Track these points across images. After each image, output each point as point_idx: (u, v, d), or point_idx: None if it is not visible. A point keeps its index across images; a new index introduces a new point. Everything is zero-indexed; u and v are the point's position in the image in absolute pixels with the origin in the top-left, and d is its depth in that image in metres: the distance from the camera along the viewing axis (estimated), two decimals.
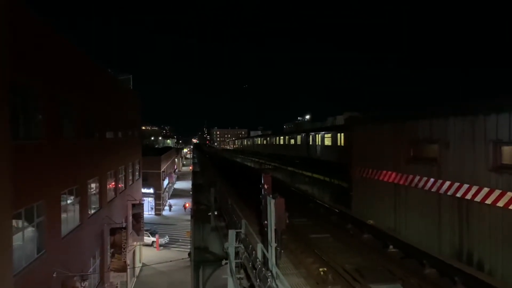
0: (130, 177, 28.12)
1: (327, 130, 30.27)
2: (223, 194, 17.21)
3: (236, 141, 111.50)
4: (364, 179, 14.14)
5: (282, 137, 45.30)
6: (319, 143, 30.33)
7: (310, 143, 32.55)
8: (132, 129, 29.31)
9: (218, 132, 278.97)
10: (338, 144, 26.72)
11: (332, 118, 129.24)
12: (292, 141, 39.50)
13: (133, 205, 26.41)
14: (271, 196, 8.40)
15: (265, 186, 8.85)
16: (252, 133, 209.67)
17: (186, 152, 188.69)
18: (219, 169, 36.32)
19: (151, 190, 50.48)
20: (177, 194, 67.95)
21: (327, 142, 28.99)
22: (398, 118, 12.49)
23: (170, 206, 54.71)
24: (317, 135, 31.03)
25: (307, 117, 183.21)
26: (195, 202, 22.37)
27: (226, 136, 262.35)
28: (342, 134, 25.63)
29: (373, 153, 13.69)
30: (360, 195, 14.43)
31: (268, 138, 54.97)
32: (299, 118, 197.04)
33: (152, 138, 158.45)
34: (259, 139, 65.51)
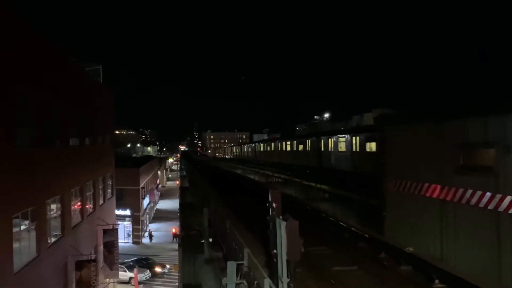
0: (101, 196, 28.16)
1: (353, 132, 30.27)
2: (220, 215, 17.18)
3: (235, 148, 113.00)
4: (400, 195, 14.05)
5: (290, 142, 45.51)
6: (343, 149, 30.39)
7: (330, 149, 32.64)
8: (103, 134, 29.44)
9: (212, 137, 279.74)
10: (366, 150, 26.72)
11: (359, 116, 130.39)
12: (304, 147, 39.71)
13: (105, 231, 26.40)
14: (281, 217, 8.37)
15: (274, 205, 8.84)
16: (256, 138, 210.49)
17: (172, 163, 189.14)
18: (213, 184, 36.32)
19: (128, 212, 50.49)
20: (160, 216, 67.95)
21: (354, 148, 29.05)
22: (444, 116, 12.46)
23: (150, 234, 54.35)
24: (340, 138, 31.15)
25: (326, 115, 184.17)
26: (183, 227, 22.33)
27: (222, 141, 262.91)
28: (370, 137, 25.80)
29: (412, 160, 13.62)
30: (396, 215, 14.34)
31: (273, 144, 55.73)
32: (315, 117, 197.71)
33: (129, 145, 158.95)
34: (261, 145, 66.67)
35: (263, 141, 73.19)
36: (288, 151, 46.28)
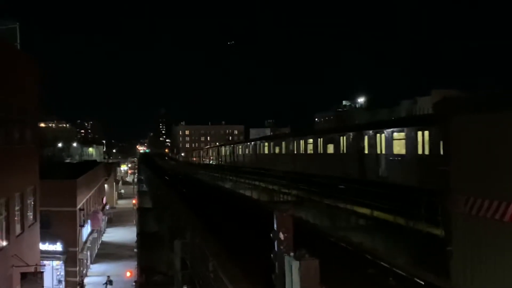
0: (18, 222, 28.06)
1: (399, 124, 30.20)
2: (200, 251, 17.18)
3: (211, 150, 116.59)
4: (475, 220, 14.05)
5: (304, 141, 45.82)
6: (384, 152, 30.37)
7: (366, 151, 32.64)
8: (21, 127, 29.35)
9: (187, 132, 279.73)
10: (421, 151, 26.73)
11: (410, 101, 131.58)
12: (331, 148, 39.76)
13: (24, 276, 26.33)
14: (292, 254, 8.37)
15: (281, 236, 8.82)
16: (254, 134, 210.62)
17: (126, 172, 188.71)
18: (190, 204, 36.32)
19: (59, 247, 50.32)
20: (108, 253, 67.78)
21: (398, 148, 29.03)
22: None
23: (80, 285, 53.60)
24: (380, 134, 31.19)
25: (361, 100, 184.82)
26: (144, 269, 22.33)
27: (202, 138, 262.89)
28: (428, 131, 25.84)
29: (493, 168, 13.63)
30: (468, 252, 14.34)
31: (273, 143, 57.78)
32: (345, 102, 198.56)
33: (60, 145, 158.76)
34: (240, 147, 73.32)
35: (255, 140, 74.60)
36: (302, 154, 46.32)
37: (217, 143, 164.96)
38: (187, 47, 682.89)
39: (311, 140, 43.55)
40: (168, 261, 19.35)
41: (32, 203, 32.03)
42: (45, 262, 39.49)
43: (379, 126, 33.53)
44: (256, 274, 15.31)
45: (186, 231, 20.46)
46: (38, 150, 37.22)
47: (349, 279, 17.24)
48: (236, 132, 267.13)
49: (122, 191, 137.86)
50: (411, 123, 29.51)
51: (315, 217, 29.55)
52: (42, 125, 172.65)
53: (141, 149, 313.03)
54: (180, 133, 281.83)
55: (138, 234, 33.30)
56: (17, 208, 27.80)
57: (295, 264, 8.16)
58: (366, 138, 33.35)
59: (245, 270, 16.92)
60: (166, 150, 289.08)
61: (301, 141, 45.61)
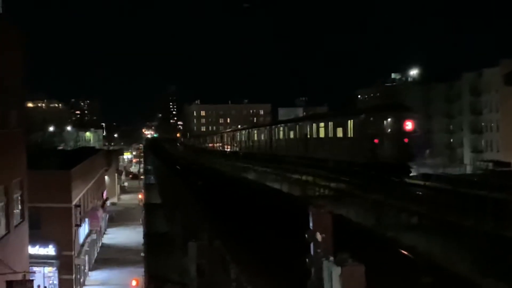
0: (2, 220, 28.23)
1: None
2: (219, 256, 17.22)
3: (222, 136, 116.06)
4: None
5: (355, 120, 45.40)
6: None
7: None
8: (2, 107, 29.45)
9: (202, 112, 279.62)
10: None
11: (474, 74, 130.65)
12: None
13: (10, 284, 26.59)
14: (332, 259, 8.35)
15: (318, 237, 8.81)
16: (282, 113, 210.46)
17: (131, 160, 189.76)
18: (207, 200, 36.37)
19: (51, 250, 50.63)
20: (110, 258, 68.10)
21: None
22: None
23: None
24: None
25: (413, 73, 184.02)
26: (152, 277, 22.43)
27: (221, 120, 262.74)
28: None
29: None
30: None
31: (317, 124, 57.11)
32: (394, 75, 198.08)
33: (52, 129, 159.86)
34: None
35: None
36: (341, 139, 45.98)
37: (239, 126, 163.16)
38: (200, 9, 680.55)
39: None
40: (181, 267, 19.40)
41: (19, 198, 32.13)
42: (35, 268, 39.82)
43: None
44: (288, 282, 15.31)
45: (203, 232, 20.51)
46: (25, 135, 37.40)
47: None
48: (261, 112, 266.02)
49: (126, 184, 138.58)
50: None
51: (358, 215, 29.51)
52: (30, 105, 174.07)
53: (148, 133, 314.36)
54: (195, 114, 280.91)
55: (145, 235, 33.41)
56: (0, 204, 27.94)
57: (336, 271, 8.13)
58: None
59: (274, 278, 16.92)
60: (178, 135, 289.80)
61: None
